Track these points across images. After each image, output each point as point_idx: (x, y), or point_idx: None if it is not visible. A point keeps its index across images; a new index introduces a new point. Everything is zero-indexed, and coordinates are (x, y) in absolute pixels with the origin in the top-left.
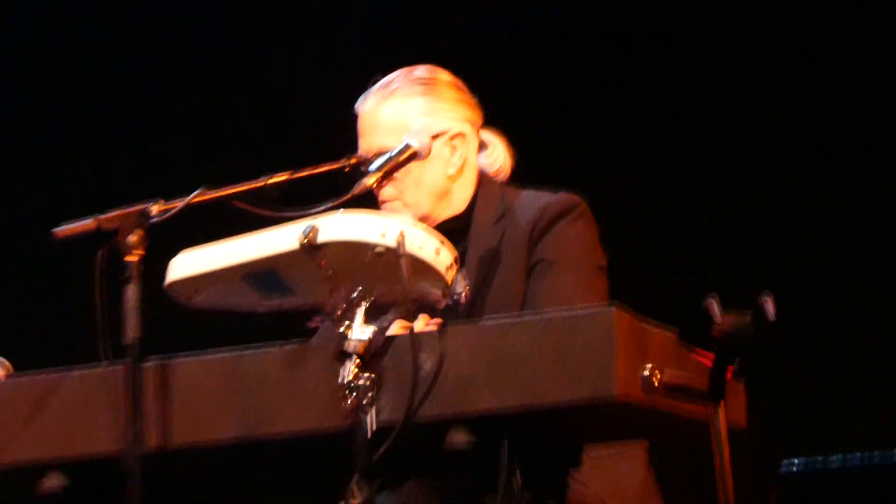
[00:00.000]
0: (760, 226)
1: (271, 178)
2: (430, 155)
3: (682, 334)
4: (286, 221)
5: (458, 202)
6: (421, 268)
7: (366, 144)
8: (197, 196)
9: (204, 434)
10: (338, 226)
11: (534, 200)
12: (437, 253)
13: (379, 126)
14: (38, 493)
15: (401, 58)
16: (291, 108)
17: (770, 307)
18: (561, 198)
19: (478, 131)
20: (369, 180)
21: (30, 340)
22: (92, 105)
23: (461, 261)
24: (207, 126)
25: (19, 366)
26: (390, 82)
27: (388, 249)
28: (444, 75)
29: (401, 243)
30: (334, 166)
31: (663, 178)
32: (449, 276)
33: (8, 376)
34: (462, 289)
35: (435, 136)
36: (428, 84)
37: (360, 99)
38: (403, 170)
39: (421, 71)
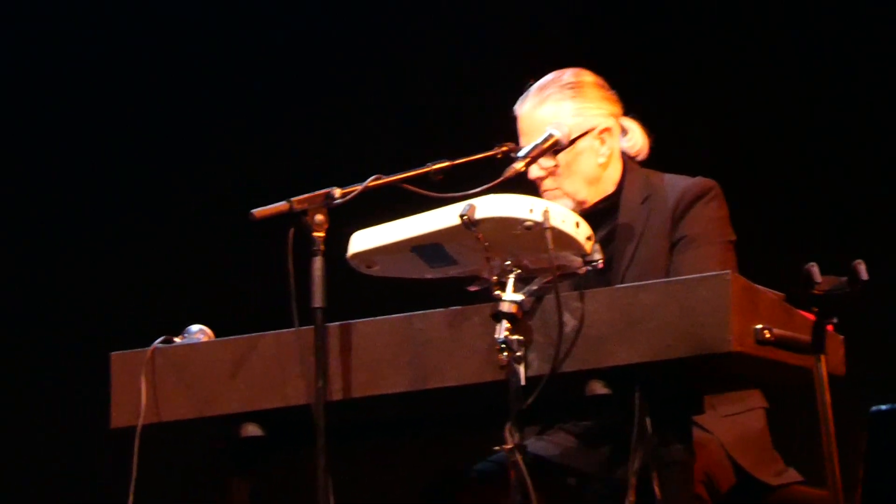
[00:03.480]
0: (853, 203)
1: (435, 164)
2: (582, 148)
3: (789, 298)
4: (448, 202)
5: (607, 185)
6: (563, 239)
7: (526, 142)
8: (373, 181)
9: (379, 387)
10: (493, 204)
11: (676, 183)
12: (577, 226)
13: (536, 126)
14: (238, 439)
15: (546, 57)
16: (451, 100)
17: (863, 270)
18: (699, 181)
19: (619, 121)
20: (518, 165)
21: (229, 310)
22: (283, 107)
23: (612, 235)
24: (380, 120)
25: (220, 333)
26: (544, 87)
27: (536, 223)
28: (589, 76)
29: (546, 217)
30: (488, 154)
31: (773, 169)
32: (587, 247)
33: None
34: (598, 258)
35: (585, 133)
36: (576, 87)
37: (518, 102)
38: (562, 165)
39: (569, 75)
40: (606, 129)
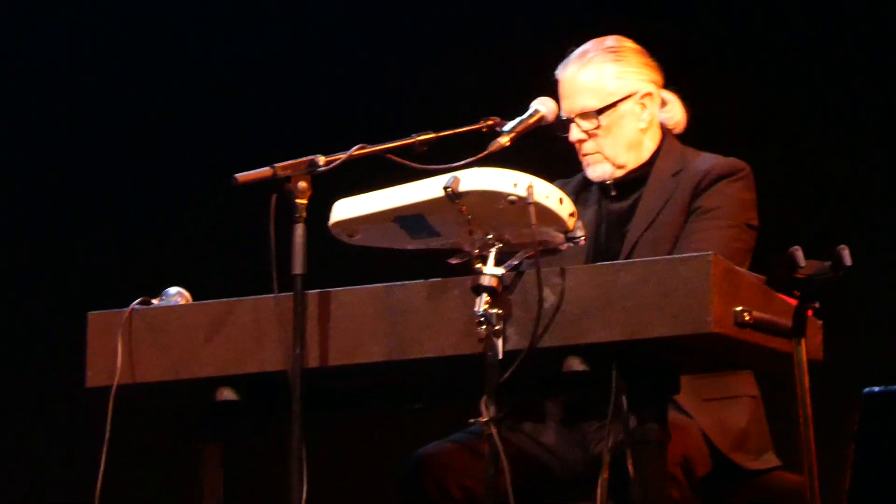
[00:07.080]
0: (839, 189)
1: (419, 136)
2: (624, 111)
3: (771, 281)
4: (432, 174)
5: (645, 152)
6: (546, 214)
7: (567, 105)
8: (357, 150)
9: (357, 356)
10: (477, 177)
11: (707, 160)
12: (561, 202)
13: (578, 89)
14: (212, 403)
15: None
16: (438, 74)
17: (846, 255)
18: (729, 161)
19: (659, 91)
20: (503, 139)
21: (209, 274)
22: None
23: (637, 203)
24: (365, 90)
25: (199, 297)
26: (586, 52)
27: (519, 198)
28: (630, 43)
29: (530, 192)
30: (473, 127)
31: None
32: (570, 223)
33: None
34: (581, 234)
35: (627, 96)
36: (618, 51)
37: (560, 66)
38: (603, 127)
39: (611, 41)
40: (648, 94)
